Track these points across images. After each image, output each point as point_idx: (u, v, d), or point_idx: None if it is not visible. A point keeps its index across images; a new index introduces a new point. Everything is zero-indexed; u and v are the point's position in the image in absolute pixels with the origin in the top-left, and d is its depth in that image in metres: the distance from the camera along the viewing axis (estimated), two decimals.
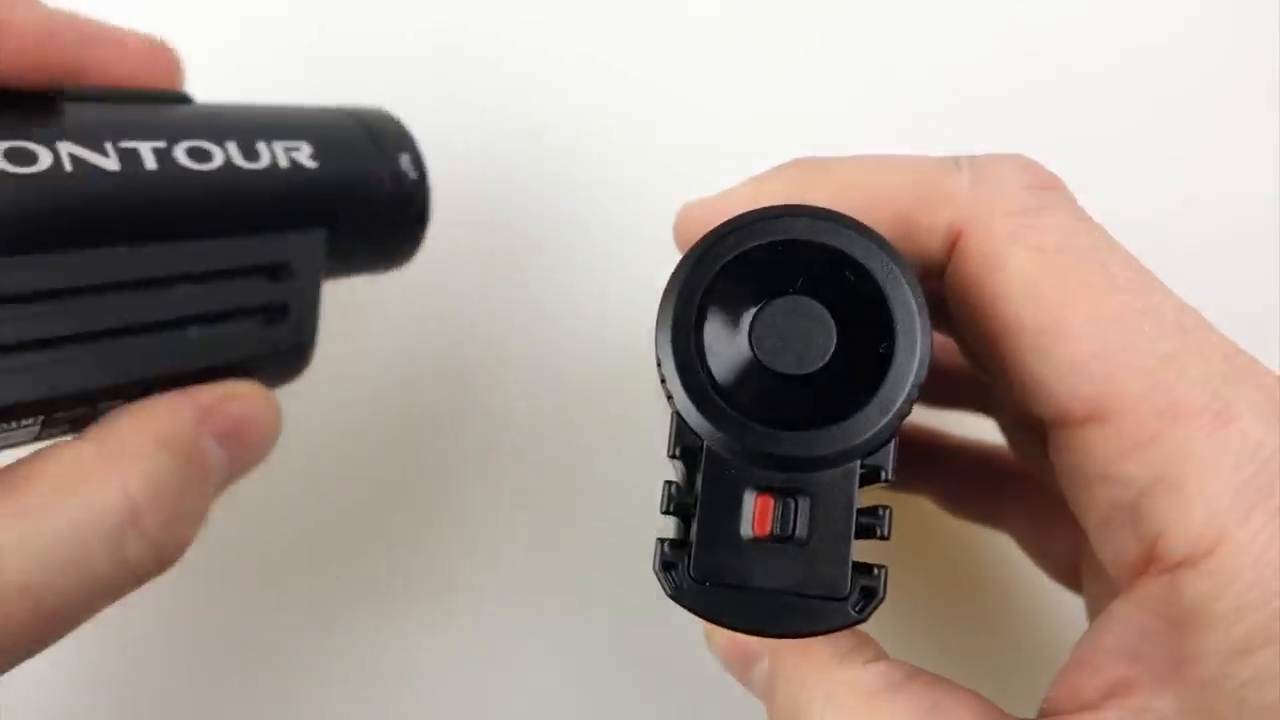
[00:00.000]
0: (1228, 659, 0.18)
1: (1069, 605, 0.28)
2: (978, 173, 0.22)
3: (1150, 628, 0.20)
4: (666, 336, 0.19)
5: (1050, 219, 0.21)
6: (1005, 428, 0.30)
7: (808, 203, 0.22)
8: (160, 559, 0.22)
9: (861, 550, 0.19)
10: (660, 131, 0.38)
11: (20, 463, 0.21)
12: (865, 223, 0.22)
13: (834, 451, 0.18)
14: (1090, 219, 0.21)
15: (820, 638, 0.19)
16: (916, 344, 0.19)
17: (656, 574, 0.19)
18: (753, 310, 0.19)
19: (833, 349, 0.18)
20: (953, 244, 0.22)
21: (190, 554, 0.22)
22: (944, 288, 0.22)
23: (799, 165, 0.23)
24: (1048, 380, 0.20)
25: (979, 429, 0.31)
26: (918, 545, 0.35)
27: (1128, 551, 0.20)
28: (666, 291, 0.19)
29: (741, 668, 0.23)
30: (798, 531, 0.18)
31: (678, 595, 0.18)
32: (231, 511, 0.26)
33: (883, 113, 0.38)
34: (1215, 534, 0.19)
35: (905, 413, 0.18)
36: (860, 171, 0.23)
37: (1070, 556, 0.28)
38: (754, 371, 0.18)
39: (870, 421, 0.18)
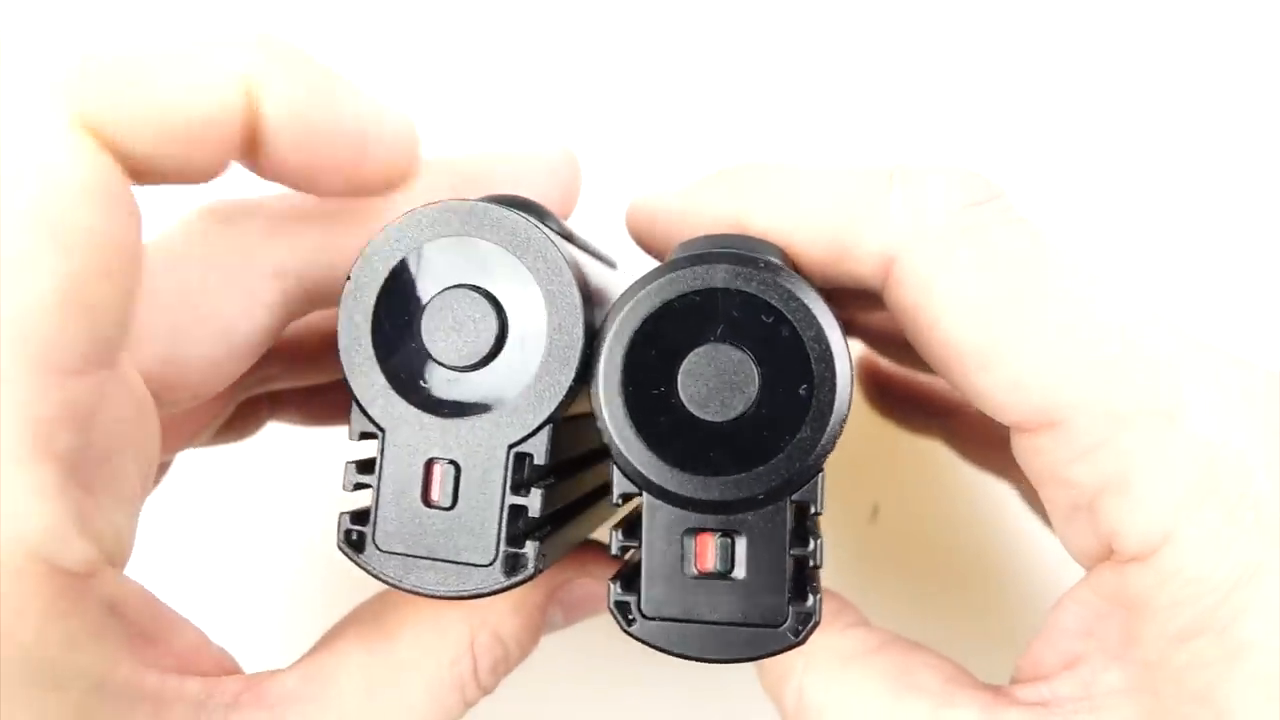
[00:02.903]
0: (1169, 644, 0.20)
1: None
2: (907, 193, 0.22)
3: (1104, 610, 0.21)
4: (600, 395, 0.20)
5: (981, 238, 0.21)
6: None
7: (730, 233, 0.23)
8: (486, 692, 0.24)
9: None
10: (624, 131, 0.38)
11: (386, 608, 0.23)
12: (795, 246, 0.22)
13: (761, 493, 0.19)
14: (1025, 228, 0.21)
15: None
16: (835, 388, 0.19)
17: (611, 612, 0.20)
18: (679, 360, 0.19)
19: (755, 395, 0.19)
20: (887, 269, 0.22)
21: None
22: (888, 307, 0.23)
23: (739, 176, 0.24)
24: (996, 395, 0.21)
25: None
26: (920, 517, 0.36)
27: (1088, 544, 0.21)
28: (596, 349, 0.20)
29: None
30: (736, 567, 0.20)
31: (632, 631, 0.20)
32: None
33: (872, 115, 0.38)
34: (1162, 533, 0.20)
35: (827, 451, 0.19)
36: (794, 189, 0.23)
37: None
38: (684, 421, 0.19)
39: (793, 462, 0.19)
